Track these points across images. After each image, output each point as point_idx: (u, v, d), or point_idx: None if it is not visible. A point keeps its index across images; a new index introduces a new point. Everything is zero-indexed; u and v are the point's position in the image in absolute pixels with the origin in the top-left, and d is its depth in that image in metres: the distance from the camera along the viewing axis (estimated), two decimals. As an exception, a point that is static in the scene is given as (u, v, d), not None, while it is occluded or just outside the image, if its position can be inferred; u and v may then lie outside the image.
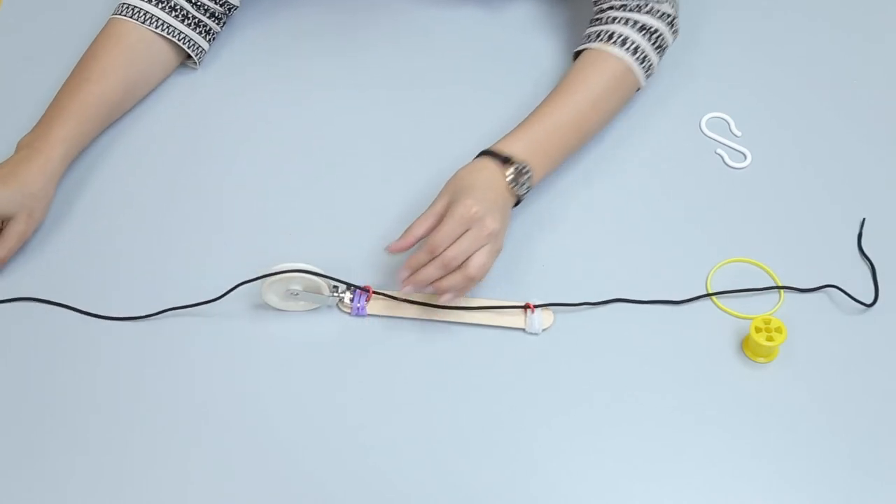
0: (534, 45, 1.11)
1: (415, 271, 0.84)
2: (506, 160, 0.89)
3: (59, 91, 0.99)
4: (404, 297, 0.90)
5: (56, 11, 1.14)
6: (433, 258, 0.84)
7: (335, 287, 0.90)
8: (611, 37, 0.97)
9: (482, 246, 0.84)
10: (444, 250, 0.83)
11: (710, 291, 0.92)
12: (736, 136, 1.04)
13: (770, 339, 0.85)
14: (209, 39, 1.07)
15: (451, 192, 0.87)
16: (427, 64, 1.10)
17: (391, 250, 0.86)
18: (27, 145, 0.94)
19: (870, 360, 0.88)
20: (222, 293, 0.89)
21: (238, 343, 0.89)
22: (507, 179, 0.88)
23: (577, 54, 1.00)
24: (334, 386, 0.86)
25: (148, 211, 0.98)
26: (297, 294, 0.88)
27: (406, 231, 0.86)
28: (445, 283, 0.84)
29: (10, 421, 0.84)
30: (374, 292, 0.90)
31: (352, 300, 0.90)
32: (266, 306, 0.90)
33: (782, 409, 0.85)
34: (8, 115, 1.04)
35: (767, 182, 1.00)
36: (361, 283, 0.91)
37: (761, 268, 0.94)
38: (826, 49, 1.12)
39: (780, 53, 1.12)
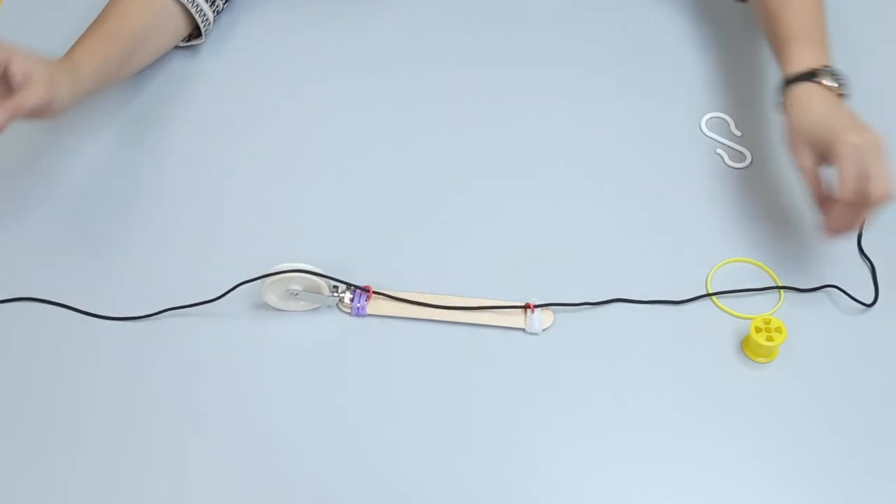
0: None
1: (838, 226, 0.82)
2: (813, 73, 0.85)
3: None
4: (404, 298, 0.90)
5: (56, 11, 1.14)
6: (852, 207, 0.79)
7: (335, 287, 0.90)
8: None
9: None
10: (870, 194, 0.78)
11: (710, 291, 0.92)
12: (736, 136, 1.04)
13: (770, 339, 0.85)
14: (215, 11, 1.08)
15: (808, 140, 0.83)
16: (427, 61, 1.10)
17: (830, 233, 0.83)
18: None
19: (870, 360, 0.88)
20: (222, 293, 0.89)
21: (238, 343, 0.89)
22: (831, 87, 0.84)
23: None
24: (334, 386, 0.87)
25: (148, 211, 0.98)
26: (297, 294, 0.89)
27: (816, 202, 0.84)
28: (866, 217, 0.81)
29: (10, 421, 0.84)
30: (374, 292, 0.90)
31: (352, 300, 0.90)
32: (266, 306, 0.90)
33: (782, 409, 0.85)
34: (8, 115, 1.05)
35: (767, 182, 1.00)
36: (361, 283, 0.91)
37: (761, 268, 0.94)
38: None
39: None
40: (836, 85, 0.85)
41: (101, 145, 1.02)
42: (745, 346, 0.88)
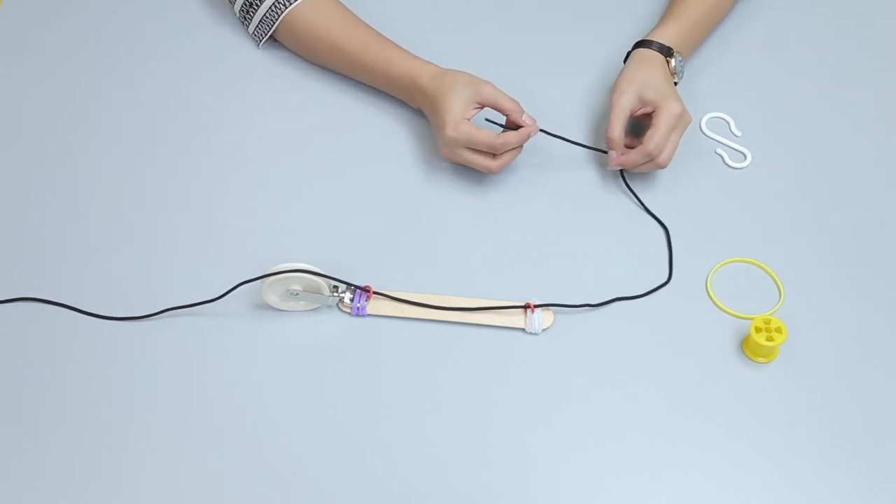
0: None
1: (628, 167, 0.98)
2: (669, 51, 0.99)
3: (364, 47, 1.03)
4: (404, 298, 0.90)
5: (56, 11, 1.14)
6: (648, 156, 0.95)
7: (335, 287, 0.90)
8: None
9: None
10: (661, 154, 0.95)
11: (710, 291, 0.92)
12: (736, 136, 1.04)
13: (770, 339, 0.85)
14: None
15: (636, 90, 0.96)
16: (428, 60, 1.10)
17: (612, 165, 0.97)
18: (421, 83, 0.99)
19: (870, 359, 0.88)
20: (222, 293, 0.89)
21: (238, 343, 0.89)
22: (673, 69, 1.00)
23: None
24: (334, 386, 0.86)
25: (148, 210, 0.98)
26: (297, 294, 0.89)
27: (609, 141, 0.96)
28: (640, 168, 0.97)
29: (10, 421, 0.84)
30: (374, 292, 0.90)
31: (352, 300, 0.90)
32: (266, 306, 0.90)
33: (782, 408, 0.85)
34: (8, 115, 1.04)
35: (767, 182, 1.00)
36: (361, 283, 0.91)
37: (761, 268, 0.94)
38: (826, 49, 1.12)
39: (780, 53, 1.12)
40: (676, 71, 1.00)
41: (101, 145, 1.02)
42: (746, 347, 0.88)
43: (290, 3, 1.03)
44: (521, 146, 0.97)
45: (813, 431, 0.84)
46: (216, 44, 1.11)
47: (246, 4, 1.06)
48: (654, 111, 0.96)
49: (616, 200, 0.99)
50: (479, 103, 0.95)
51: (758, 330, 0.86)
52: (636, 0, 1.15)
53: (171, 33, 1.12)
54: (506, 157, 0.96)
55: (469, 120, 0.94)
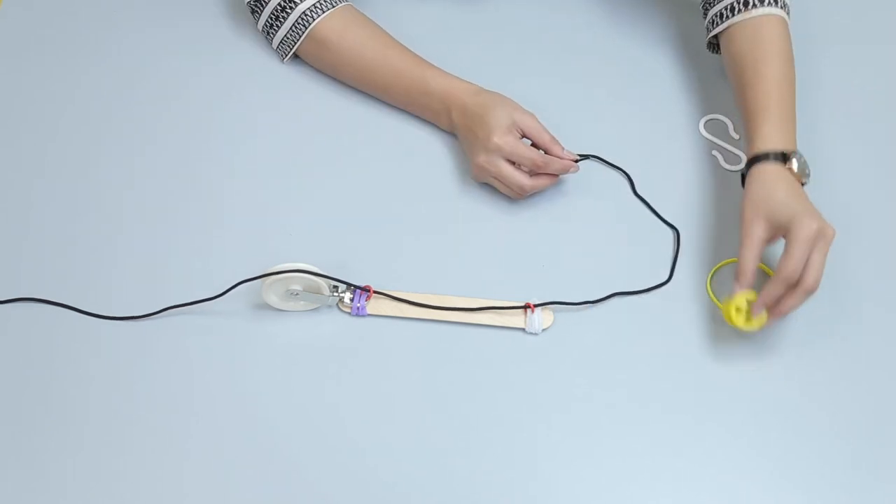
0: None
1: (772, 302, 0.85)
2: (785, 157, 0.89)
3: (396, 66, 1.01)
4: (404, 298, 0.90)
5: (56, 11, 1.14)
6: (788, 284, 0.84)
7: (335, 287, 0.90)
8: (747, 3, 0.97)
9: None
10: (803, 278, 0.83)
11: (711, 291, 0.92)
12: (734, 138, 1.04)
13: (748, 321, 0.86)
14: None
15: (765, 215, 0.86)
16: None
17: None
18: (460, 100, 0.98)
19: (870, 359, 0.89)
20: (222, 291, 0.89)
21: (238, 342, 0.89)
22: (797, 174, 0.88)
23: (715, 30, 1.00)
24: (334, 385, 0.87)
25: (148, 210, 0.98)
26: (297, 294, 0.89)
27: (740, 270, 0.86)
28: (793, 304, 0.85)
29: (10, 421, 0.84)
30: (374, 292, 0.90)
31: (352, 300, 0.90)
32: (266, 306, 0.90)
33: (782, 408, 0.86)
34: (8, 115, 1.04)
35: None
36: (361, 283, 0.91)
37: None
38: (826, 50, 1.12)
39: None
40: (800, 173, 0.89)
41: (101, 144, 1.02)
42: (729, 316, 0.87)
43: (317, 17, 1.01)
44: (558, 177, 0.96)
45: (813, 431, 0.84)
46: (216, 44, 1.11)
47: (271, 18, 1.04)
48: (787, 233, 0.85)
49: (619, 202, 0.99)
50: (521, 130, 0.94)
51: (738, 311, 0.86)
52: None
53: (171, 33, 1.12)
54: (541, 181, 0.94)
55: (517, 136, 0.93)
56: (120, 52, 1.10)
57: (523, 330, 0.90)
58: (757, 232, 0.86)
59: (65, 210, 0.97)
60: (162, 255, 0.94)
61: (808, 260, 0.84)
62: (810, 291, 0.84)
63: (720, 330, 0.90)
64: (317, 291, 0.89)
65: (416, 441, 0.84)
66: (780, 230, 0.86)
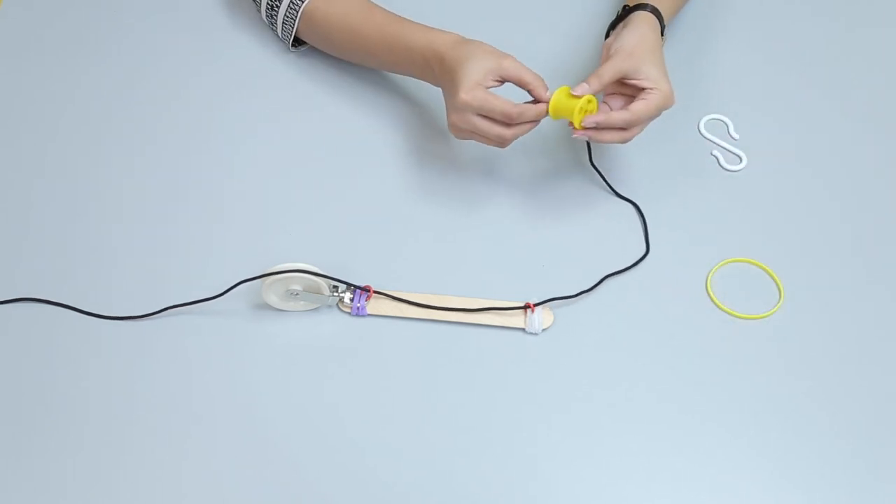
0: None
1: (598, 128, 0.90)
2: (661, 17, 0.95)
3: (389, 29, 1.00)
4: (404, 298, 0.90)
5: (56, 11, 1.14)
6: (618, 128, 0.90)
7: (335, 287, 0.90)
8: None
9: None
10: (631, 132, 0.90)
11: (710, 291, 0.92)
12: (734, 138, 1.04)
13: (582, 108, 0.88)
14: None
15: (639, 59, 0.90)
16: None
17: (578, 93, 0.88)
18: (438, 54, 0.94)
19: (869, 358, 0.89)
20: (222, 291, 0.89)
21: (238, 342, 0.89)
22: (662, 36, 0.95)
23: None
24: (334, 385, 0.87)
25: (148, 209, 0.98)
26: (297, 294, 0.89)
27: (597, 79, 0.89)
28: (604, 137, 0.90)
29: (10, 421, 0.84)
30: (374, 292, 0.90)
31: (352, 300, 0.90)
32: (266, 306, 0.90)
33: (782, 408, 0.86)
34: (8, 115, 1.04)
35: (762, 185, 1.00)
36: (361, 283, 0.91)
37: (761, 268, 0.94)
38: (826, 52, 1.12)
39: (780, 55, 1.12)
40: (663, 34, 0.96)
41: (101, 144, 1.02)
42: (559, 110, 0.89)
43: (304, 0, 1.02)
44: (538, 121, 0.91)
45: (813, 431, 0.84)
46: (216, 44, 1.11)
47: (268, 8, 1.06)
48: (648, 87, 0.89)
49: (620, 202, 0.99)
50: (499, 76, 0.89)
51: (581, 111, 0.88)
52: None
53: (171, 33, 1.12)
54: (520, 129, 0.90)
55: (486, 87, 0.89)
56: (120, 52, 1.10)
57: (523, 330, 0.90)
58: (627, 67, 0.90)
59: (65, 210, 0.97)
60: (162, 255, 0.94)
61: (650, 118, 0.90)
62: (625, 141, 0.91)
63: (720, 330, 0.90)
64: (317, 291, 0.89)
65: (416, 441, 0.84)
66: (638, 75, 0.90)
